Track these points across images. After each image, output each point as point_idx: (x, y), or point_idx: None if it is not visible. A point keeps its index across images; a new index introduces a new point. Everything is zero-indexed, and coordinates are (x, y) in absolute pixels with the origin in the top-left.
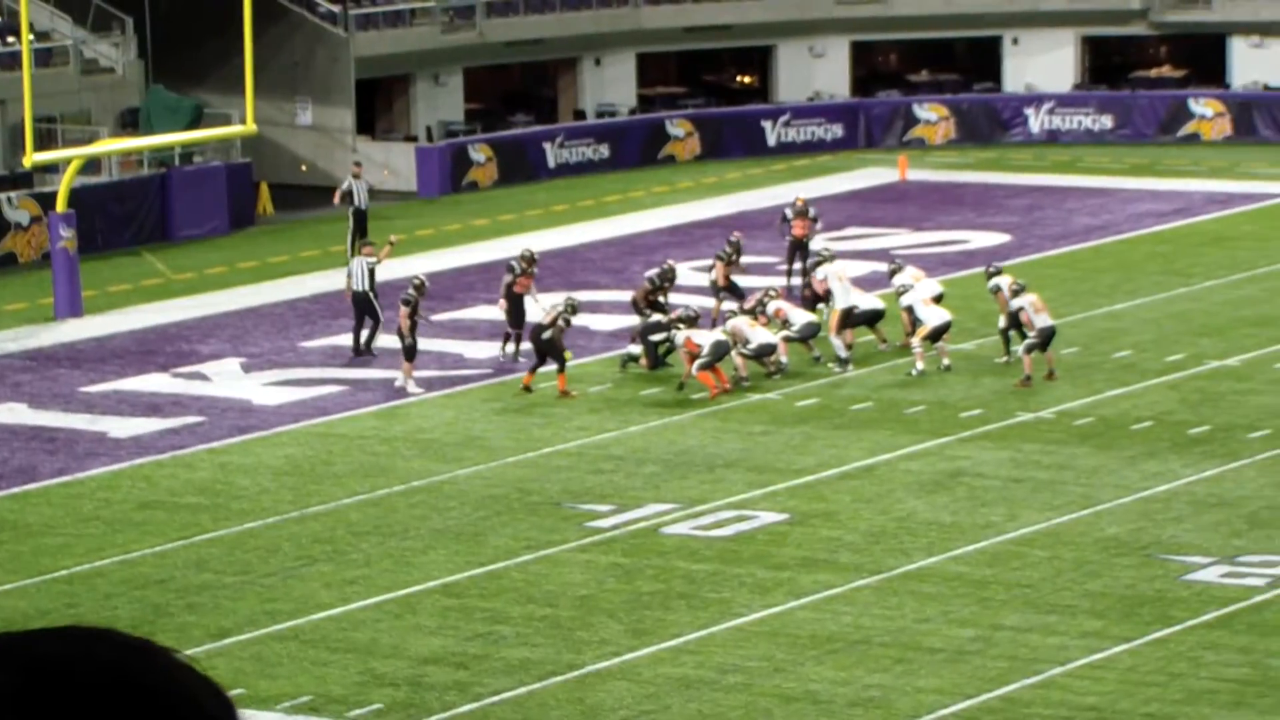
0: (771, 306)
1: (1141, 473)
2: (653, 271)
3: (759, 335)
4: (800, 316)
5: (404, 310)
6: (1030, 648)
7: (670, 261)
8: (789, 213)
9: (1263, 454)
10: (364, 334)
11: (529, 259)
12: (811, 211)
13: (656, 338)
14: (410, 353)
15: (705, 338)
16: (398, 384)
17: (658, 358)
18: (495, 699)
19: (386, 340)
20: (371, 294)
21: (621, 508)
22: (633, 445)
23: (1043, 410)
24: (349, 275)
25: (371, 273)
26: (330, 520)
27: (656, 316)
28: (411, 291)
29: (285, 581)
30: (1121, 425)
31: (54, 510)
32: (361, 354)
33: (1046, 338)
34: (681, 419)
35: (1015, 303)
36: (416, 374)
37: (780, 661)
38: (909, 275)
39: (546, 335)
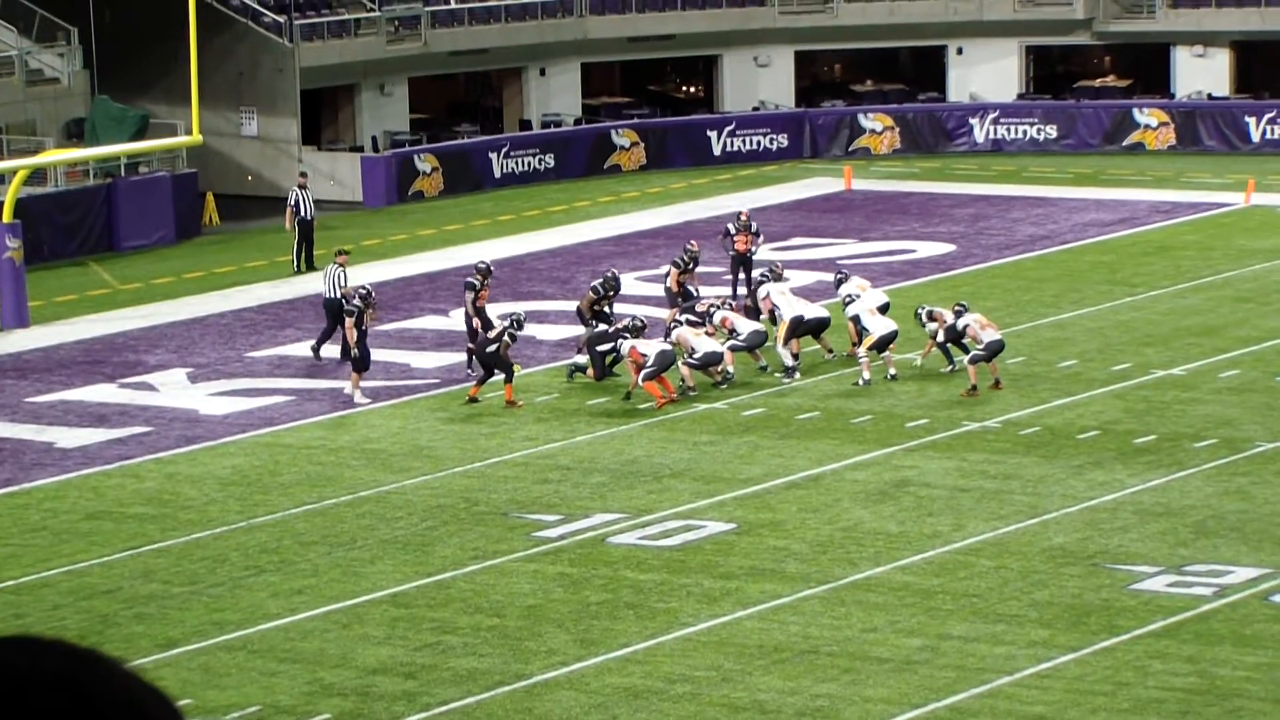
0: (718, 316)
1: (1088, 482)
2: (597, 281)
3: (705, 344)
4: (746, 326)
5: (348, 321)
6: (978, 657)
7: (614, 270)
8: (732, 228)
9: (1208, 463)
10: (324, 340)
11: (485, 271)
12: (754, 226)
13: (603, 348)
14: (359, 363)
15: (650, 348)
16: (346, 391)
17: (604, 368)
18: (443, 709)
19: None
20: (344, 301)
21: (568, 518)
22: (579, 455)
23: (988, 420)
24: (325, 281)
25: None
26: (277, 530)
27: (602, 326)
28: (357, 302)
29: (233, 592)
30: (1067, 435)
31: (0, 521)
32: (323, 359)
33: (994, 351)
34: (628, 429)
35: (960, 322)
36: (363, 384)
37: (728, 671)
38: (854, 285)
39: (492, 349)
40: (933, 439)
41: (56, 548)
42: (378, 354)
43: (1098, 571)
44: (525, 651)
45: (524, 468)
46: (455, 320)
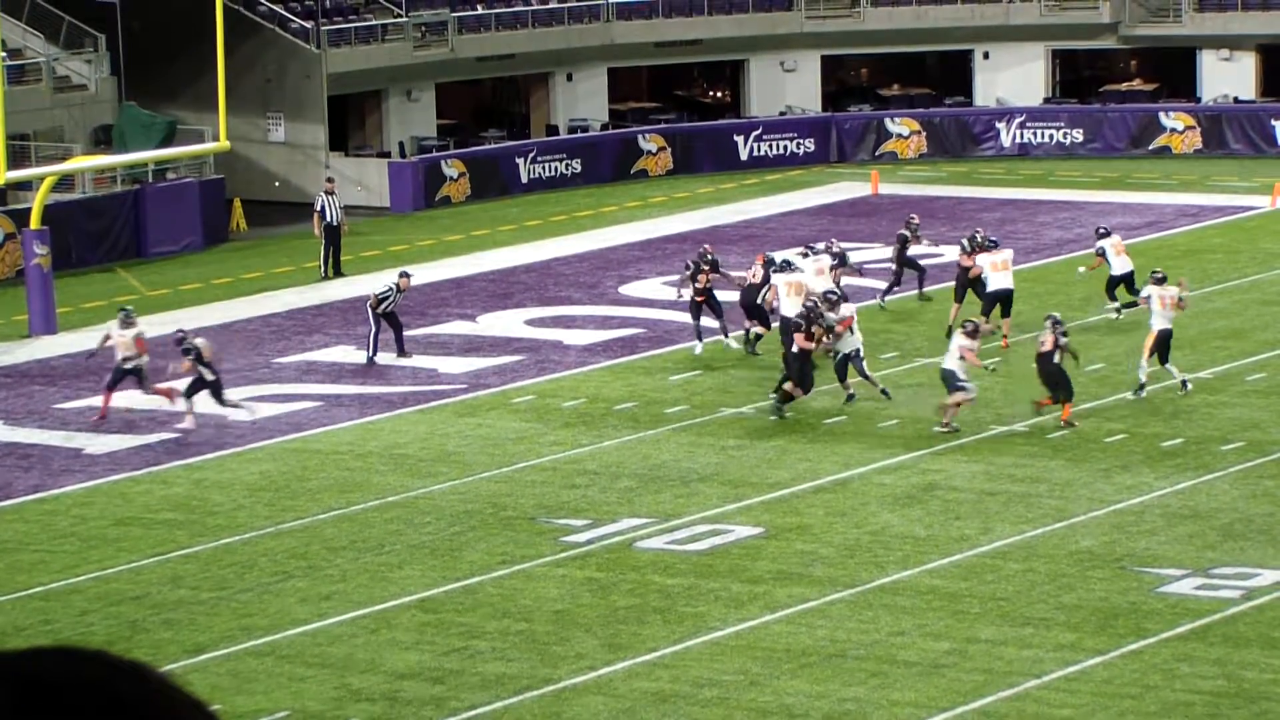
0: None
1: (1115, 485)
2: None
3: (788, 308)
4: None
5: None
6: (1005, 660)
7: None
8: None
9: (1235, 466)
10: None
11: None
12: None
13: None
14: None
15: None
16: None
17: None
18: (471, 713)
19: (384, 355)
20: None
21: (596, 522)
22: (607, 460)
23: (1015, 423)
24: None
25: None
26: (306, 536)
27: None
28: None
29: (261, 597)
30: (1094, 438)
31: (29, 527)
32: (403, 355)
33: (996, 300)
34: (655, 433)
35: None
36: (391, 389)
37: (755, 675)
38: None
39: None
40: (960, 443)
41: (85, 554)
42: (407, 359)
43: (1125, 575)
44: (553, 656)
45: (551, 472)
46: (482, 325)
